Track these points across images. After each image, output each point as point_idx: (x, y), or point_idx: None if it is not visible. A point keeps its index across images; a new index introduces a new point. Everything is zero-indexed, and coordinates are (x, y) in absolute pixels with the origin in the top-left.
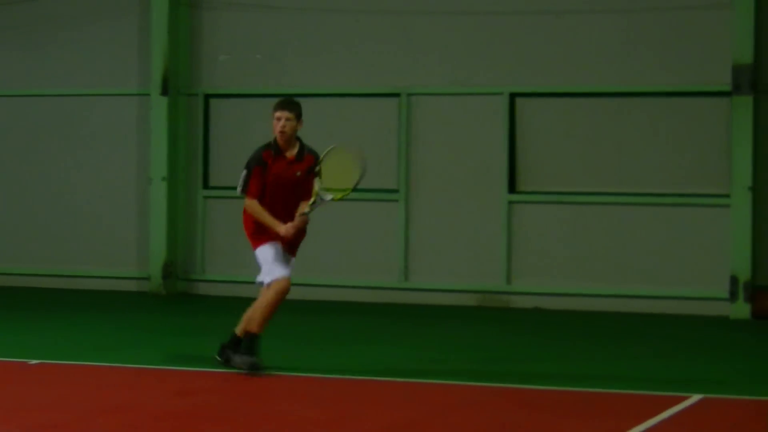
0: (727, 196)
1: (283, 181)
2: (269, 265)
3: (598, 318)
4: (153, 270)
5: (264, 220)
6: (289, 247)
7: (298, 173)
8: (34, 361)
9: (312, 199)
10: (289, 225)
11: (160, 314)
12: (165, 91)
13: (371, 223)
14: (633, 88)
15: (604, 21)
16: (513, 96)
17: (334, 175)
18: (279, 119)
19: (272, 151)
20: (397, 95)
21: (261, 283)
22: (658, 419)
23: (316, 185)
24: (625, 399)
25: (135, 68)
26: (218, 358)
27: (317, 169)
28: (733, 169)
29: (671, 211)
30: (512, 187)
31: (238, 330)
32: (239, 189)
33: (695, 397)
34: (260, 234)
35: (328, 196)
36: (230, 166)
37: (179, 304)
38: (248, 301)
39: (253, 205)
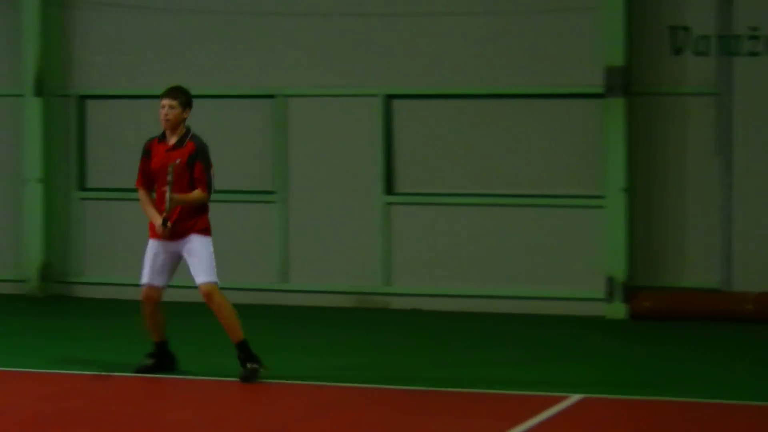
0: (602, 197)
1: (164, 168)
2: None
3: (476, 319)
4: (29, 272)
5: (145, 211)
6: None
7: (178, 160)
8: None
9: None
10: (159, 226)
11: (35, 317)
12: (39, 92)
13: (249, 224)
14: (507, 89)
15: (479, 23)
16: (388, 97)
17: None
18: (163, 107)
19: (158, 138)
20: (272, 96)
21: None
22: (537, 420)
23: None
24: (503, 399)
25: (6, 69)
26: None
27: (169, 178)
28: (606, 170)
29: (546, 212)
30: (389, 189)
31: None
32: None
33: (574, 398)
34: (150, 226)
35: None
36: (106, 167)
37: (55, 307)
38: (127, 303)
39: (139, 194)
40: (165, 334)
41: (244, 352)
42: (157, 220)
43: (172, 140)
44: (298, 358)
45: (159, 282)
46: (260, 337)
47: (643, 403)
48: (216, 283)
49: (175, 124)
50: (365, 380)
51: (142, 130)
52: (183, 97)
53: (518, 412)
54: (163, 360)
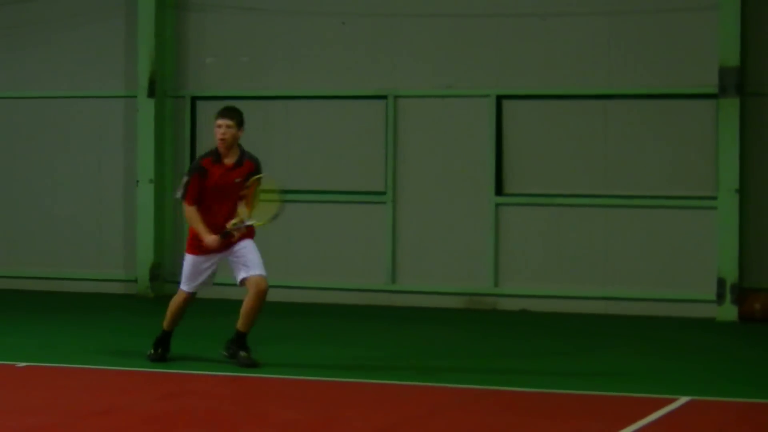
0: (714, 198)
1: (222, 187)
2: (185, 276)
3: (585, 320)
4: (140, 272)
5: (196, 228)
6: (225, 247)
7: (237, 180)
8: (21, 364)
9: (235, 220)
10: (215, 237)
11: (147, 317)
12: (152, 94)
13: (359, 225)
14: (619, 90)
15: (590, 23)
16: (500, 98)
17: (259, 203)
18: (219, 126)
19: (212, 158)
20: (384, 97)
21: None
22: (646, 421)
23: (240, 208)
24: (612, 401)
25: (121, 70)
26: (224, 353)
27: (245, 190)
28: (719, 171)
29: (658, 213)
30: (499, 190)
31: (239, 325)
32: (179, 195)
33: (683, 399)
34: (194, 243)
35: (250, 221)
36: None
37: (166, 307)
38: (236, 303)
39: (190, 211)
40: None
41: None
42: (211, 236)
43: (230, 159)
44: (406, 358)
45: (199, 291)
46: (368, 337)
47: (752, 406)
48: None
49: (231, 144)
50: (473, 381)
51: (253, 132)
52: (238, 116)
53: (626, 414)
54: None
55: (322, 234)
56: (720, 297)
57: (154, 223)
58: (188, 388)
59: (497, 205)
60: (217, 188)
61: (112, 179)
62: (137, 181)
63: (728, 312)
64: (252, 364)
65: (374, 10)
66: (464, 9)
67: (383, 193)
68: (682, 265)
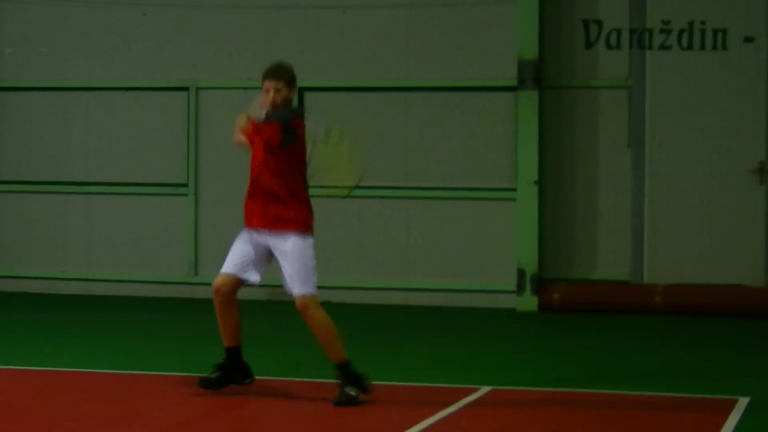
0: (513, 190)
1: None
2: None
3: (387, 311)
4: None
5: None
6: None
7: None
8: None
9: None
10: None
11: None
12: None
13: (160, 217)
14: (419, 82)
15: (390, 16)
16: (301, 90)
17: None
18: (267, 91)
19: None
20: (185, 89)
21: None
22: (448, 411)
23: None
24: (414, 391)
25: None
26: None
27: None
28: (518, 163)
29: (458, 204)
30: None
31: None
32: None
33: (485, 389)
34: None
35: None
36: (15, 159)
37: None
38: (36, 297)
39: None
40: (239, 338)
41: (344, 374)
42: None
43: None
44: (210, 350)
45: (235, 272)
46: (170, 328)
47: (552, 395)
48: (314, 295)
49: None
50: (273, 373)
51: (53, 124)
52: (286, 75)
53: (428, 404)
54: (233, 371)
55: (123, 226)
56: (520, 287)
57: None
58: None
59: None
60: None
61: None
62: None
63: (528, 302)
64: (342, 402)
65: (177, 0)
66: (266, 1)
67: (185, 185)
68: (483, 256)
